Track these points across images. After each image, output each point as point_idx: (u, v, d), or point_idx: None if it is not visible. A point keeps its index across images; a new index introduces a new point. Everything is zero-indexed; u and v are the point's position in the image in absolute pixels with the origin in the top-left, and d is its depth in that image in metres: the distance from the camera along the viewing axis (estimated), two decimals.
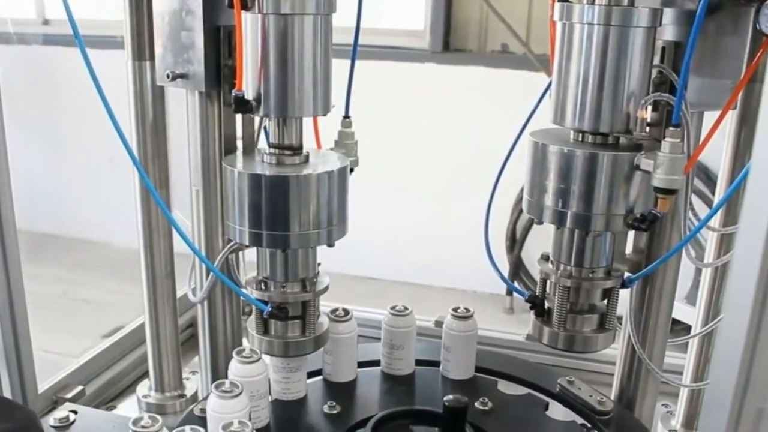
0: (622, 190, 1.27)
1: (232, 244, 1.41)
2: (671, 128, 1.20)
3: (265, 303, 1.38)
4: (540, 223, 1.36)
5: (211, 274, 1.45)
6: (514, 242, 3.92)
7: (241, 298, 1.54)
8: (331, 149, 1.48)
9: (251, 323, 1.43)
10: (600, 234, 1.33)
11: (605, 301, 1.41)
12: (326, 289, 1.43)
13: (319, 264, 1.44)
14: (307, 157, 1.37)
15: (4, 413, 1.28)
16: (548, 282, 1.41)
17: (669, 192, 1.21)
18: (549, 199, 1.31)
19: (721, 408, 0.67)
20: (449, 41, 4.14)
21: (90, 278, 4.44)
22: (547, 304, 1.42)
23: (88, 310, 4.07)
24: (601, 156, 1.26)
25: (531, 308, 1.42)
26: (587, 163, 1.26)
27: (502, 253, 3.89)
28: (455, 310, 1.55)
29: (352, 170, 1.46)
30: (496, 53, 4.11)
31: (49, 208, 5.08)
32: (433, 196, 4.14)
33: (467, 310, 1.55)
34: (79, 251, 4.88)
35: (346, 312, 1.53)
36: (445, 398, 1.32)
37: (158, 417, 1.27)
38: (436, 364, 1.59)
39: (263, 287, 1.40)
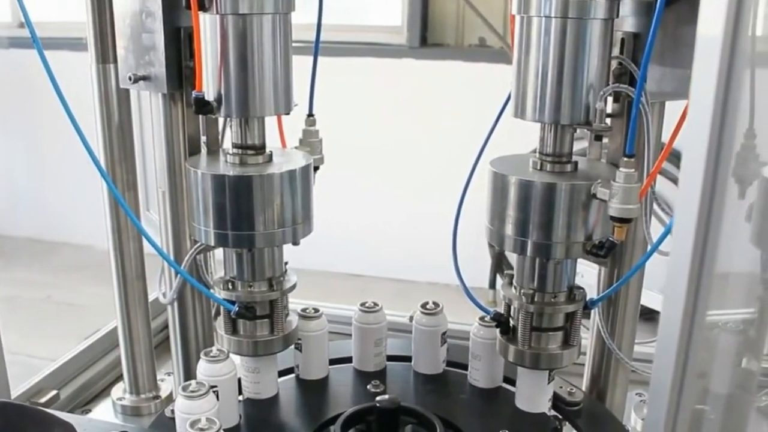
0: (581, 218, 1.28)
1: (198, 245, 1.41)
2: (625, 158, 1.20)
3: (233, 303, 1.38)
4: (501, 251, 1.37)
5: (179, 275, 1.45)
6: None
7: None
8: (296, 148, 1.48)
9: (220, 323, 1.43)
10: (560, 261, 1.34)
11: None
12: (293, 287, 1.43)
13: (286, 263, 1.45)
14: (270, 156, 1.37)
15: (42, 427, 1.27)
16: (512, 307, 1.41)
17: (624, 221, 1.22)
18: (509, 228, 1.31)
19: (662, 393, 0.68)
20: (427, 36, 4.14)
21: (73, 281, 4.43)
22: (512, 322, 1.42)
23: (71, 313, 4.06)
24: (558, 185, 1.26)
25: (496, 326, 1.42)
26: (545, 192, 1.27)
27: (485, 247, 3.90)
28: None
29: (317, 168, 1.46)
30: (474, 47, 4.12)
31: (31, 212, 5.06)
32: (414, 190, 4.15)
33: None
34: (62, 255, 4.87)
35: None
36: (377, 398, 1.33)
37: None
38: (409, 359, 1.59)
39: (230, 287, 1.40)
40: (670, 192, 1.37)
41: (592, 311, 1.48)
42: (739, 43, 0.59)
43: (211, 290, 1.44)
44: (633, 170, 1.20)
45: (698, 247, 0.62)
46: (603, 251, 1.28)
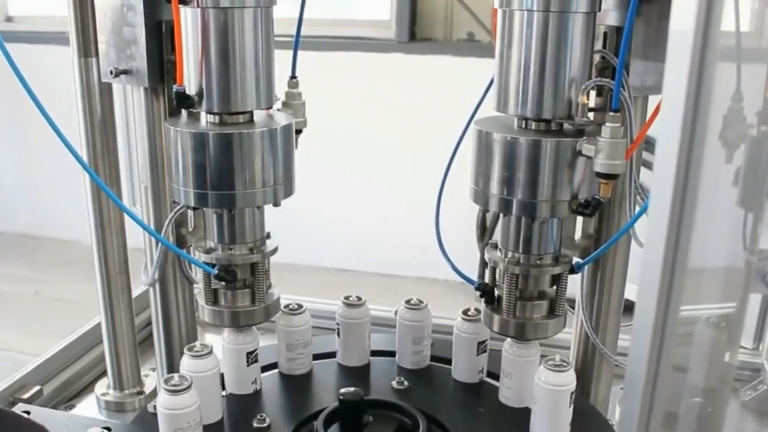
0: (566, 176, 1.27)
1: (178, 207, 1.40)
2: (611, 113, 1.20)
3: (213, 266, 1.38)
4: (487, 210, 1.36)
5: (160, 248, 1.44)
6: (485, 230, 3.92)
7: (194, 292, 1.54)
8: (279, 110, 1.47)
9: (201, 295, 1.43)
10: (546, 220, 1.34)
11: (554, 287, 1.41)
12: (275, 251, 1.42)
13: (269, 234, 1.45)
14: (251, 116, 1.36)
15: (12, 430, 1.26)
16: (497, 270, 1.41)
17: (610, 177, 1.22)
18: (494, 187, 1.31)
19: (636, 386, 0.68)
20: (415, 31, 4.13)
21: (61, 277, 4.41)
22: (497, 292, 1.42)
23: (59, 309, 4.04)
24: (544, 142, 1.26)
25: (481, 296, 1.42)
26: (531, 149, 1.26)
27: (473, 241, 3.90)
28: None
29: (300, 132, 1.45)
30: (462, 42, 4.11)
31: (20, 208, 5.04)
32: (401, 185, 4.14)
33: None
34: (51, 250, 4.85)
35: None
36: (341, 390, 1.32)
37: None
38: (394, 354, 1.59)
39: (210, 251, 1.39)
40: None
41: (576, 306, 1.48)
42: (711, 37, 0.59)
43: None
44: (619, 125, 1.19)
45: (672, 239, 0.62)
46: (589, 209, 1.27)
